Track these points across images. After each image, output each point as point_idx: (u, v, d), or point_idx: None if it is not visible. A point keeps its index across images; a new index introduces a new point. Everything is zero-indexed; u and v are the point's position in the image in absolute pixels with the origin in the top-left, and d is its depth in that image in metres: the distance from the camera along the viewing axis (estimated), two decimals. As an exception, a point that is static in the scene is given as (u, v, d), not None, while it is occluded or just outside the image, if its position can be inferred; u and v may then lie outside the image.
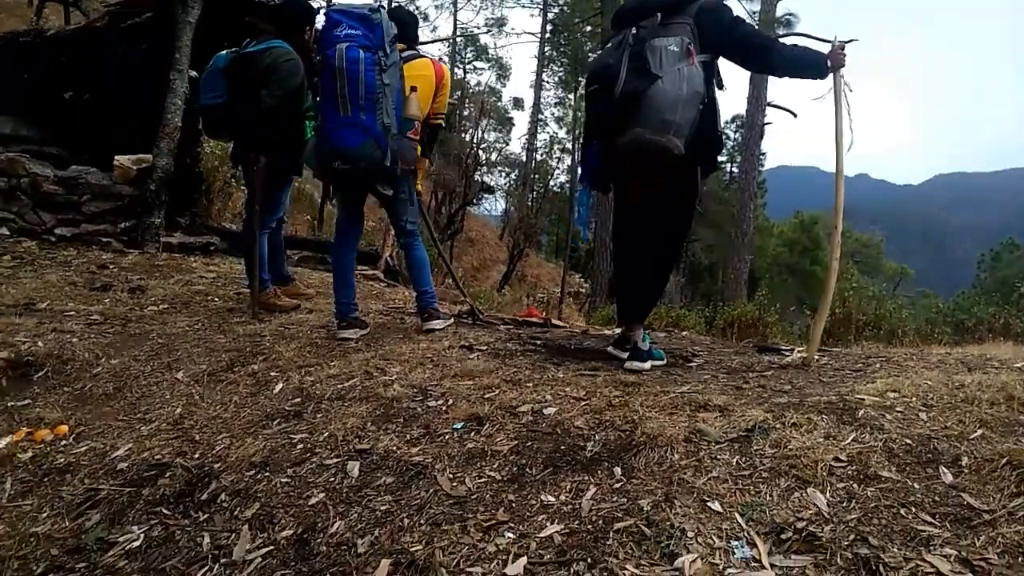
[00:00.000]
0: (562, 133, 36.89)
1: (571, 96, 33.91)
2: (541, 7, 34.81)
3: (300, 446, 2.67)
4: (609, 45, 3.17)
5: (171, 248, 7.14)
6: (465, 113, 26.24)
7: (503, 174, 31.04)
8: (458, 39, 35.99)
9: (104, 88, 7.97)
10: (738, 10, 14.59)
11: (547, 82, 37.31)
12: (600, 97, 3.09)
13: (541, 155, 36.05)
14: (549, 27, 34.68)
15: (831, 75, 2.98)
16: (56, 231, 6.91)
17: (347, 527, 2.16)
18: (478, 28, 37.60)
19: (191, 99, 7.32)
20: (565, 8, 32.51)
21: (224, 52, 4.54)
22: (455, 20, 35.24)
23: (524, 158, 34.78)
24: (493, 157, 29.48)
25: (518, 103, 37.53)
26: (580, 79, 31.65)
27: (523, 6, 35.76)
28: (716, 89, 3.05)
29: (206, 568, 2.11)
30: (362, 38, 3.59)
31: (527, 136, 35.40)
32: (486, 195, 27.88)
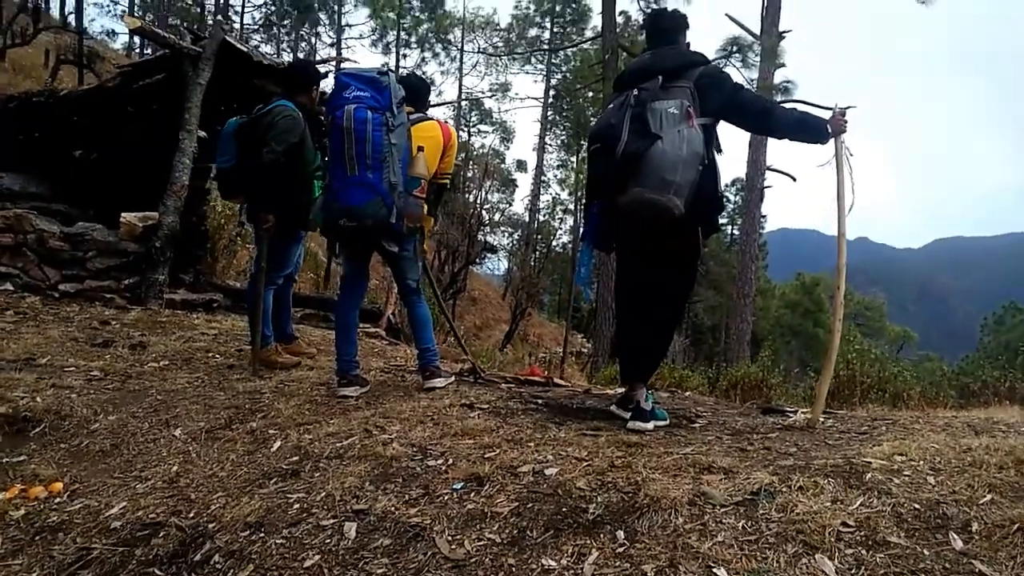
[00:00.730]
0: (564, 194, 37.37)
1: (573, 159, 34.47)
2: (544, 73, 35.66)
3: (296, 506, 2.62)
4: (611, 106, 3.22)
5: (174, 305, 7.15)
6: (469, 175, 26.60)
7: (506, 234, 31.33)
8: (463, 103, 36.76)
9: (113, 147, 8.11)
10: (736, 77, 14.90)
11: (550, 145, 38.00)
12: (602, 157, 3.13)
13: (544, 216, 36.48)
14: (552, 92, 35.49)
15: (832, 140, 3.04)
16: (60, 287, 6.94)
17: (343, 592, 2.11)
18: (483, 93, 38.46)
19: (198, 158, 7.47)
20: (567, 74, 33.31)
21: (235, 118, 4.67)
22: (460, 85, 36.06)
23: (527, 219, 35.15)
24: (496, 218, 29.78)
25: (521, 165, 38.19)
26: (582, 142, 32.20)
27: (527, 72, 36.68)
28: (715, 152, 3.10)
29: (198, 633, 2.05)
30: (370, 99, 3.67)
31: (530, 197, 35.85)
32: (489, 255, 28.02)
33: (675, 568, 1.93)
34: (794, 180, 20.06)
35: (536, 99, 36.85)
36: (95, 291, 6.93)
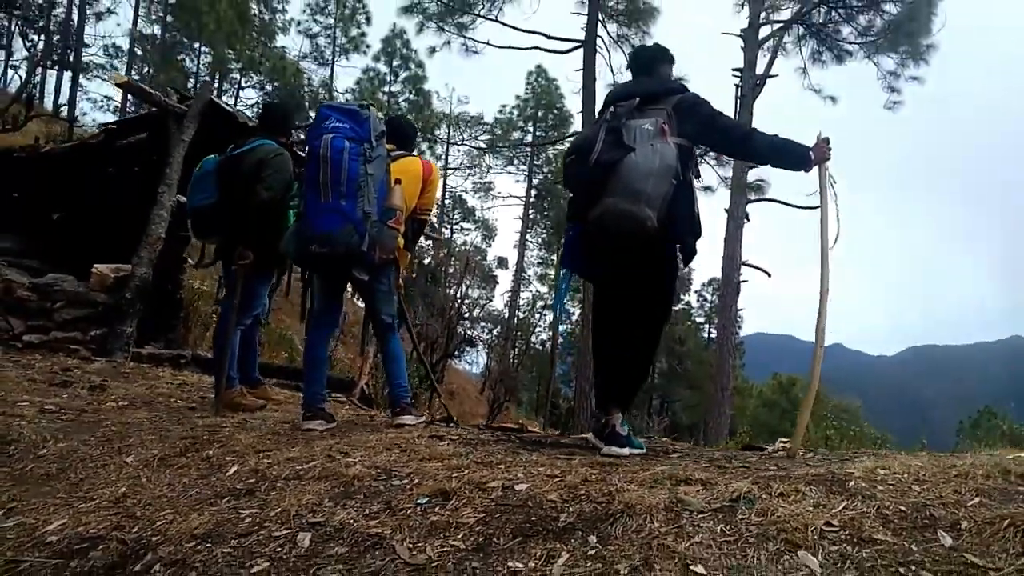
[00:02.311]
0: (543, 289, 37.64)
1: (554, 257, 34.92)
2: (526, 173, 36.56)
3: (248, 519, 2.46)
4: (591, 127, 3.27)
5: (140, 358, 6.96)
6: (450, 270, 26.81)
7: (486, 330, 31.26)
8: (446, 201, 37.40)
9: (90, 205, 8.09)
10: (710, 174, 15.24)
11: (531, 243, 38.49)
12: (575, 167, 3.15)
13: (524, 312, 36.61)
14: (533, 192, 36.27)
15: (815, 168, 3.06)
16: (24, 337, 6.74)
17: (292, 595, 1.94)
18: (466, 192, 39.26)
19: (179, 226, 7.42)
20: (549, 174, 34.13)
21: (212, 156, 4.67)
22: (444, 184, 36.73)
23: (507, 315, 35.23)
24: (476, 313, 29.84)
25: (502, 262, 38.52)
26: (562, 241, 32.74)
27: (509, 172, 37.61)
28: (693, 176, 3.11)
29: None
30: (348, 130, 3.69)
31: (510, 294, 36.05)
32: (468, 348, 27.91)
33: (650, 567, 1.80)
34: (769, 276, 20.35)
35: (518, 197, 37.62)
36: (60, 342, 6.74)
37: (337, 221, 3.61)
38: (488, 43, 16.76)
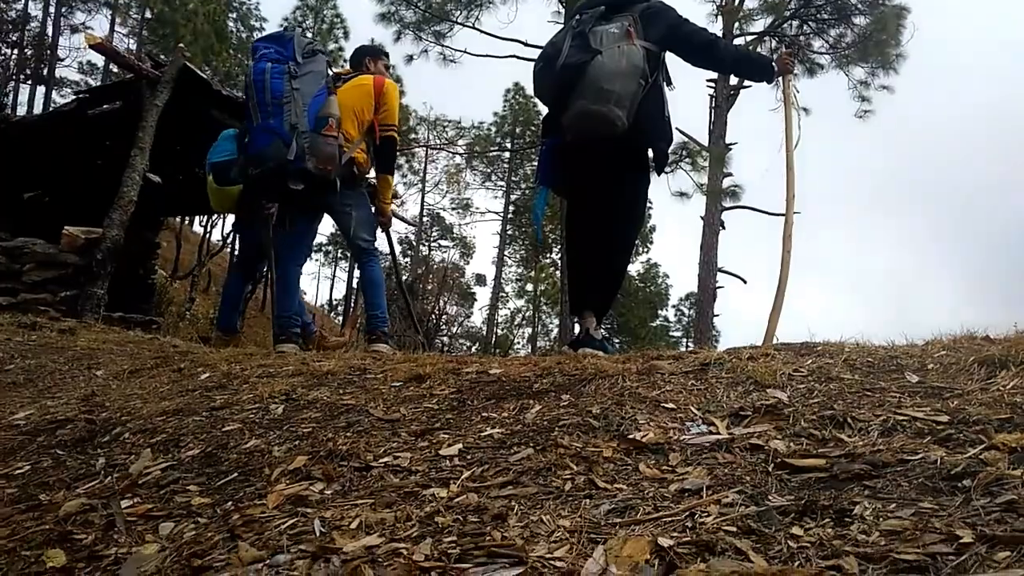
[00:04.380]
0: (521, 302, 37.60)
1: (532, 272, 34.93)
2: (504, 189, 36.58)
3: (220, 401, 2.44)
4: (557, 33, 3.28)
5: (111, 321, 6.85)
6: (429, 287, 26.77)
7: (464, 347, 31.14)
8: (425, 219, 37.19)
9: (63, 178, 7.97)
10: (685, 180, 15.35)
11: (509, 259, 38.39)
12: (544, 72, 3.16)
13: (502, 329, 36.53)
14: (511, 208, 36.25)
15: (778, 80, 3.13)
16: (-9, 299, 6.62)
17: (264, 443, 1.94)
18: (444, 209, 39.10)
19: (154, 209, 7.25)
20: (526, 192, 34.15)
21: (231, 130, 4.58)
22: (423, 200, 36.59)
23: (485, 331, 35.14)
24: (455, 330, 29.77)
25: (480, 279, 38.36)
26: (540, 257, 32.84)
27: (487, 188, 37.57)
28: (664, 83, 3.14)
29: (96, 481, 1.85)
30: (273, 53, 3.81)
31: (488, 308, 35.95)
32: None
33: (621, 406, 1.82)
34: (745, 282, 20.54)
35: (496, 213, 37.52)
36: (29, 303, 6.61)
37: (267, 139, 3.68)
38: (465, 51, 16.67)
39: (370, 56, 4.31)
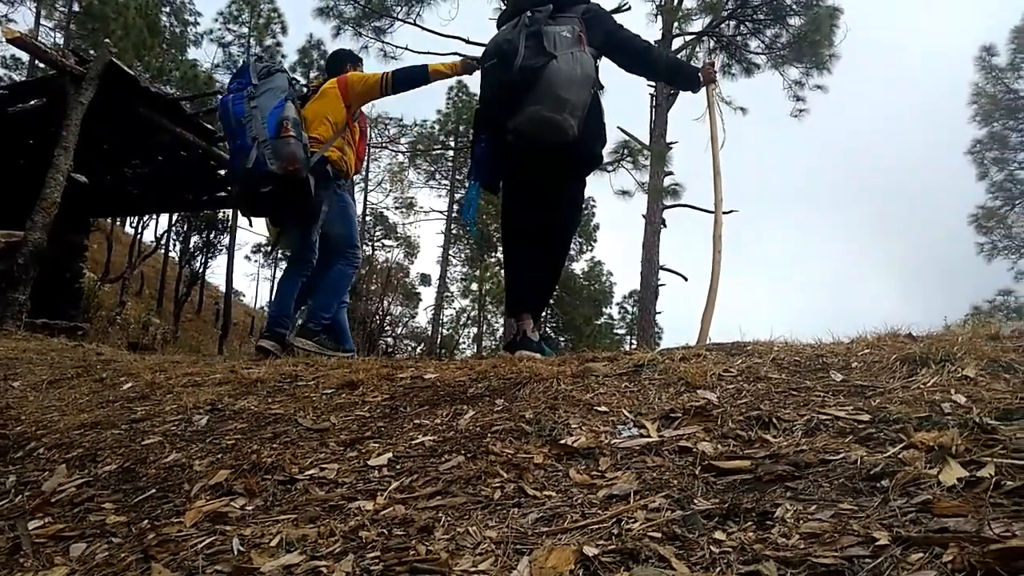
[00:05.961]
0: (467, 302, 37.46)
1: (477, 272, 34.86)
2: (448, 188, 36.40)
3: (141, 413, 2.35)
4: (504, 28, 3.23)
5: (33, 328, 6.56)
6: (372, 287, 26.45)
7: (409, 347, 30.84)
8: (368, 218, 36.74)
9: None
10: (627, 179, 15.52)
11: (454, 258, 38.19)
12: (498, 72, 3.10)
13: (448, 329, 36.31)
14: (456, 207, 36.11)
15: (703, 89, 3.22)
16: (-99, 307, 6.25)
17: (185, 456, 1.86)
18: (387, 208, 38.72)
19: (83, 210, 6.96)
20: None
21: None
22: (365, 199, 36.13)
23: (430, 331, 34.87)
24: (399, 331, 29.43)
25: (425, 279, 38.07)
26: (485, 257, 32.78)
27: (431, 187, 37.31)
28: (599, 88, 3.15)
29: (5, 501, 1.75)
30: (234, 84, 3.94)
31: (434, 308, 35.71)
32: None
33: (554, 410, 1.81)
34: (685, 279, 20.89)
35: (440, 212, 37.28)
36: (-58, 312, 6.28)
37: (238, 156, 3.79)
38: (407, 48, 16.49)
39: (350, 63, 4.46)
